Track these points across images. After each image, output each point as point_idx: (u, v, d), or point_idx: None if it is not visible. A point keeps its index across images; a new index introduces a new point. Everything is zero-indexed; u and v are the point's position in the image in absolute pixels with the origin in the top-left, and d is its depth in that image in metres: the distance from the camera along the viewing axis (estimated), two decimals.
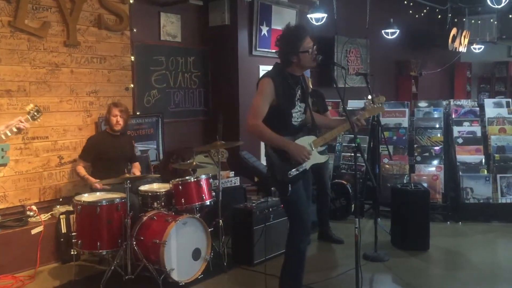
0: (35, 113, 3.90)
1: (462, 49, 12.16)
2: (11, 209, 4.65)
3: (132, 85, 5.66)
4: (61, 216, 4.67)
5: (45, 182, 4.92)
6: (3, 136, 3.75)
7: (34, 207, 4.72)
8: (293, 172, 3.31)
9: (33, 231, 4.51)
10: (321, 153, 3.52)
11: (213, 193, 4.58)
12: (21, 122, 3.81)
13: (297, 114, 3.41)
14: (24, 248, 4.42)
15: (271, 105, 3.31)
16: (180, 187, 4.36)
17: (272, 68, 3.47)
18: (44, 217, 4.69)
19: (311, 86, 5.17)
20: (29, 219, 4.61)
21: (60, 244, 4.63)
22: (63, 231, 4.64)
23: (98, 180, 4.47)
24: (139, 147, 5.72)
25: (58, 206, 4.88)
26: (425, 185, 5.97)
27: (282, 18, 6.96)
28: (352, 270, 3.87)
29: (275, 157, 3.31)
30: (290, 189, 3.31)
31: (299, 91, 3.43)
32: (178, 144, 6.19)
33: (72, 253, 4.21)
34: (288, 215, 3.49)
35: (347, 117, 3.38)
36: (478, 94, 14.53)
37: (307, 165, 3.37)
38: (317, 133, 3.60)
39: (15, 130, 3.79)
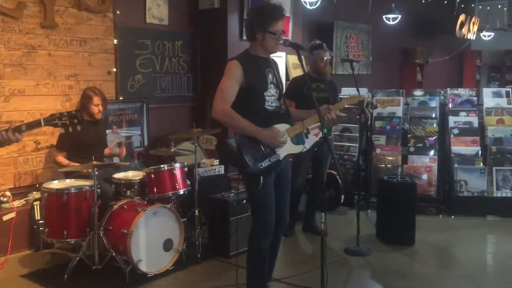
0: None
1: (471, 36, 11.76)
2: None
3: (114, 69, 5.49)
4: (35, 203, 4.57)
5: (21, 168, 4.81)
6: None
7: (8, 193, 4.61)
8: (265, 163, 3.14)
9: (5, 218, 4.41)
10: (296, 143, 3.31)
11: (188, 182, 4.43)
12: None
13: (271, 99, 3.24)
14: None
15: (241, 88, 3.13)
16: (153, 176, 4.22)
17: (240, 53, 3.29)
18: (17, 203, 4.59)
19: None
20: (1, 205, 4.51)
21: (33, 231, 4.53)
22: (36, 218, 4.53)
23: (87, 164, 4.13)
24: (122, 133, 5.58)
25: (34, 193, 4.77)
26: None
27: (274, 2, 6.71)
28: (330, 265, 3.72)
29: (245, 146, 3.12)
30: (261, 181, 3.14)
31: (270, 74, 3.25)
32: (164, 130, 6.04)
33: (45, 240, 4.11)
34: (251, 210, 3.31)
35: (316, 107, 3.17)
36: (487, 83, 14.13)
37: (280, 154, 3.19)
38: (291, 122, 3.41)
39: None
